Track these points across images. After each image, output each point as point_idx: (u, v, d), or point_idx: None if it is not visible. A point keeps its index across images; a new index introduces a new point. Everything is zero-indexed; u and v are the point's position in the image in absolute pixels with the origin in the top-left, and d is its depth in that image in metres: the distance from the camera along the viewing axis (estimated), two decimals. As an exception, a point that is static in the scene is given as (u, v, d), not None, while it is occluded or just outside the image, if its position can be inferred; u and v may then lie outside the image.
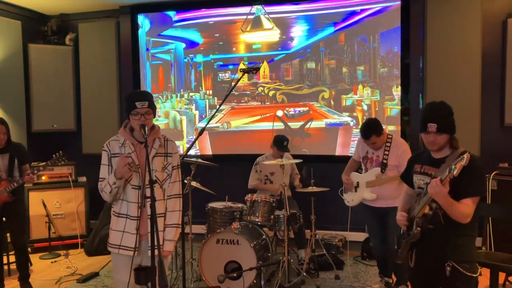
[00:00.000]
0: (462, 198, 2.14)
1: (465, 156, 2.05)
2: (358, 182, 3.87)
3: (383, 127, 3.75)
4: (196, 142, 4.30)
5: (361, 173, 3.91)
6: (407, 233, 2.31)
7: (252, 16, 5.48)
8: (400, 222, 2.38)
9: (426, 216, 2.21)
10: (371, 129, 3.65)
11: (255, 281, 3.68)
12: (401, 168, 3.58)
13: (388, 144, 3.71)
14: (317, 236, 4.51)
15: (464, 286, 2.21)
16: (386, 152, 3.70)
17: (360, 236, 4.91)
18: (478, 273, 2.22)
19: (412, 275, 2.48)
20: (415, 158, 2.51)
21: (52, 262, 4.92)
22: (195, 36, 5.71)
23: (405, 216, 2.35)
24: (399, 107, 5.05)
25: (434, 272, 2.24)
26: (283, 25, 5.40)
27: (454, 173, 2.02)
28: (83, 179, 5.57)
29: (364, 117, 5.16)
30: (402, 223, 2.36)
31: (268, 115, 5.52)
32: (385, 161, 3.69)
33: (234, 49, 5.61)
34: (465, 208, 2.13)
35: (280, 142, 4.60)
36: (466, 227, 2.17)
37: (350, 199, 3.95)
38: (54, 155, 4.02)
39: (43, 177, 5.26)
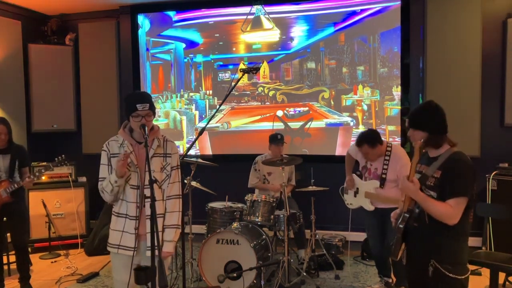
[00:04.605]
0: (447, 199, 2.13)
1: (416, 143, 2.21)
2: (358, 188, 3.87)
3: (382, 141, 3.67)
4: (196, 142, 4.30)
5: (361, 180, 3.91)
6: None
7: (252, 16, 5.48)
8: (391, 217, 2.44)
9: (412, 212, 2.23)
10: (366, 137, 3.62)
11: (255, 281, 3.68)
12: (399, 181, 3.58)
13: (387, 158, 3.65)
14: (317, 236, 4.51)
15: (447, 287, 2.18)
16: (385, 166, 3.64)
17: (360, 236, 4.90)
18: (466, 275, 2.18)
19: (406, 273, 2.50)
20: (420, 158, 2.53)
21: (52, 262, 4.92)
22: (195, 36, 5.71)
23: (397, 211, 2.40)
24: (399, 107, 5.05)
25: (421, 270, 2.25)
26: (283, 25, 5.41)
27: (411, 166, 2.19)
28: (83, 179, 5.57)
29: (364, 117, 5.16)
30: (392, 218, 2.42)
31: (268, 115, 5.52)
32: (384, 176, 3.64)
33: (234, 49, 5.61)
34: (446, 208, 2.11)
35: (274, 137, 4.65)
36: (452, 228, 2.15)
37: (350, 202, 3.97)
38: (56, 158, 4.02)
39: (43, 177, 5.25)
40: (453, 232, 2.18)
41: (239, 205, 4.36)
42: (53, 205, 5.31)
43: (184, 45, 5.77)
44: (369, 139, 3.62)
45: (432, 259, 2.18)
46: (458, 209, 2.12)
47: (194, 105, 5.78)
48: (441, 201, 2.14)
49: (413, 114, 2.32)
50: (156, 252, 2.09)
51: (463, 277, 2.17)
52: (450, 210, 2.11)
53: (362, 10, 5.13)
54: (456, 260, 2.19)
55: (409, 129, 2.31)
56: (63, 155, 4.04)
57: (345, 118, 5.27)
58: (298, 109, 5.41)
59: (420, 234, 2.24)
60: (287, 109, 5.45)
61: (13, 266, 4.37)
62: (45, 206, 5.16)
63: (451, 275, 2.14)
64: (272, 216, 4.10)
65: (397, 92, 5.05)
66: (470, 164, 2.18)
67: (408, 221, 2.25)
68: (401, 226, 2.25)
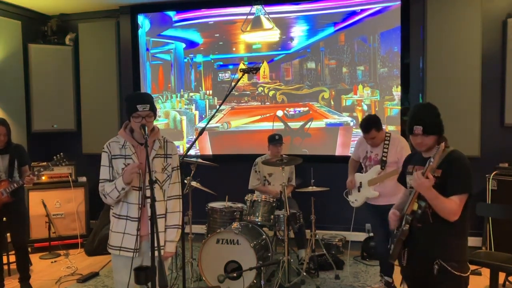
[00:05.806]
0: (449, 196, 2.15)
1: (440, 146, 2.12)
2: (360, 182, 3.89)
3: (383, 126, 3.80)
4: (196, 142, 4.30)
5: (362, 173, 3.93)
6: (398, 231, 2.33)
7: (252, 16, 5.48)
8: (390, 219, 2.40)
9: (415, 214, 2.23)
10: (371, 122, 3.71)
11: (255, 281, 3.68)
12: (400, 163, 3.60)
13: (386, 142, 3.77)
14: (317, 236, 4.51)
15: (452, 285, 2.20)
16: (385, 150, 3.76)
17: (361, 236, 4.91)
18: (468, 273, 2.21)
19: (405, 274, 2.49)
20: (409, 159, 2.54)
21: (52, 262, 4.92)
22: (195, 36, 5.71)
23: (396, 213, 2.37)
24: (399, 107, 5.05)
25: (424, 270, 2.25)
26: (283, 25, 5.40)
27: (431, 163, 2.10)
28: (83, 179, 5.57)
29: (364, 117, 5.17)
30: (392, 220, 2.38)
31: (268, 115, 5.52)
32: (384, 159, 3.74)
33: (234, 49, 5.61)
34: (451, 204, 2.14)
35: (272, 137, 4.67)
36: (455, 226, 2.17)
37: (354, 199, 3.98)
38: (55, 157, 4.02)
39: (43, 177, 5.26)
40: (456, 230, 2.21)
41: (239, 205, 4.36)
42: (53, 205, 5.31)
43: (184, 45, 5.77)
44: (375, 122, 3.72)
45: (438, 258, 2.19)
46: (461, 205, 2.15)
47: (194, 105, 5.78)
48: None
49: (425, 121, 2.23)
50: (156, 252, 2.09)
51: (466, 274, 2.20)
52: (455, 207, 2.14)
53: (362, 10, 5.13)
54: (460, 257, 2.22)
55: (417, 136, 2.25)
56: (61, 153, 4.03)
57: (345, 118, 5.27)
58: (298, 109, 5.41)
59: (424, 234, 2.24)
60: (287, 109, 5.45)
61: (13, 266, 4.38)
62: (45, 206, 5.16)
63: (456, 272, 2.17)
64: (272, 216, 4.10)
65: (397, 92, 5.05)
66: (468, 161, 2.22)
67: (411, 223, 2.25)
68: (405, 228, 2.25)
